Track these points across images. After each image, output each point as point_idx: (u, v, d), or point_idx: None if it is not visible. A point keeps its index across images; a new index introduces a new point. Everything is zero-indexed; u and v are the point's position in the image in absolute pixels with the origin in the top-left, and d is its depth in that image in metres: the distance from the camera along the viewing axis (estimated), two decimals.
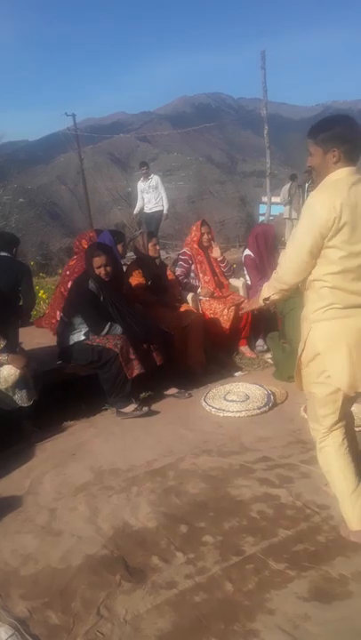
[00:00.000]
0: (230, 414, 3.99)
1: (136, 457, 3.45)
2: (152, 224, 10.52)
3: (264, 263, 5.55)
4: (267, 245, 5.62)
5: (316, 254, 2.29)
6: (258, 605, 2.16)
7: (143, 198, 10.60)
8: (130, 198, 27.33)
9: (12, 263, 4.37)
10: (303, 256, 2.30)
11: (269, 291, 2.53)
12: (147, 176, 10.50)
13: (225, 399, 4.19)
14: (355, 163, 2.37)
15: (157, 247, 5.11)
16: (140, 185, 10.66)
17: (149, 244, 5.06)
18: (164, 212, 10.50)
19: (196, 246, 5.46)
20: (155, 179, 10.54)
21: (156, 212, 10.53)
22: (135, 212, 11.31)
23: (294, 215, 13.25)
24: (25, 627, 2.10)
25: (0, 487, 3.19)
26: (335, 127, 2.37)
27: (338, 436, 2.46)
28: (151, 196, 10.49)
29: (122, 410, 4.07)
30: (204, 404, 4.18)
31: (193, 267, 5.46)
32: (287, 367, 4.27)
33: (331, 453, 2.47)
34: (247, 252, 5.67)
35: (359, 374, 2.34)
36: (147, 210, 10.66)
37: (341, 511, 2.50)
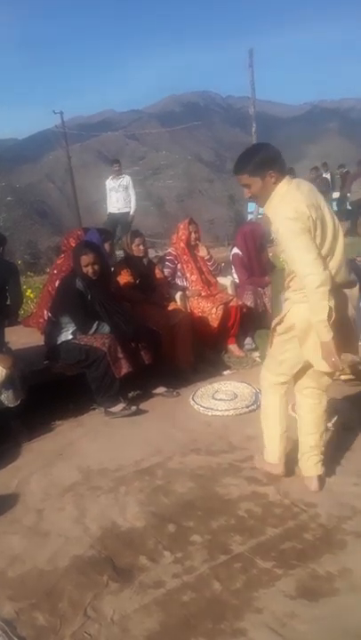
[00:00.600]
0: (219, 413, 3.99)
1: (124, 456, 3.44)
2: (118, 226, 9.84)
3: (252, 262, 5.56)
4: (255, 244, 5.64)
5: (315, 245, 2.56)
6: (246, 604, 2.16)
7: (111, 197, 9.97)
8: None
9: None
10: (313, 252, 2.53)
11: (323, 310, 2.50)
12: (118, 174, 9.98)
13: (213, 398, 4.19)
14: (286, 173, 2.71)
15: (142, 247, 5.08)
16: (110, 183, 10.04)
17: (133, 245, 5.05)
18: (131, 213, 9.89)
19: (183, 245, 5.44)
20: (126, 178, 10.02)
21: (125, 213, 9.93)
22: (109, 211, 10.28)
23: None
24: (12, 628, 2.09)
25: None
26: (259, 154, 2.71)
27: (283, 389, 2.97)
28: (120, 195, 9.89)
29: (110, 409, 4.05)
30: (192, 402, 4.18)
31: (179, 266, 5.44)
32: None
33: (276, 400, 2.99)
34: (235, 250, 5.68)
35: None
36: (114, 210, 10.05)
37: (267, 445, 3.06)
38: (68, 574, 2.39)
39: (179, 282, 5.44)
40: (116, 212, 10.04)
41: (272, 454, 3.05)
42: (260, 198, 2.75)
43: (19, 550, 2.58)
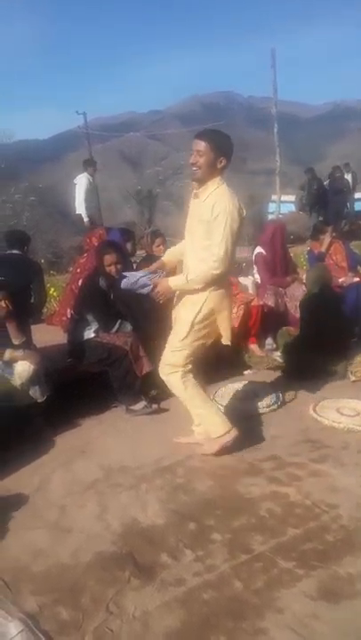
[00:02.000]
0: (241, 412, 3.98)
1: (145, 454, 3.46)
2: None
3: (276, 261, 5.53)
4: (282, 243, 5.62)
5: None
6: (267, 604, 2.16)
7: (85, 200, 9.31)
8: (140, 196, 27.28)
9: (24, 261, 4.39)
10: (234, 249, 3.09)
11: (193, 286, 3.13)
12: (93, 175, 9.61)
13: (234, 397, 4.18)
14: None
15: (162, 247, 5.09)
16: (87, 184, 9.41)
17: (153, 245, 5.07)
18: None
19: None
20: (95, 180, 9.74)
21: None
22: (87, 215, 9.37)
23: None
24: (35, 622, 2.11)
25: (10, 483, 3.21)
26: (228, 140, 3.09)
27: (193, 372, 3.30)
28: (92, 197, 9.61)
29: (131, 407, 4.08)
30: (214, 402, 4.17)
31: None
32: None
33: (195, 384, 3.30)
34: (259, 249, 5.64)
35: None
36: (93, 212, 9.63)
37: (211, 424, 3.31)
38: (90, 570, 2.41)
39: None
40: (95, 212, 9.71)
41: (221, 425, 3.31)
42: (200, 173, 3.04)
43: (42, 545, 2.61)
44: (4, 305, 3.74)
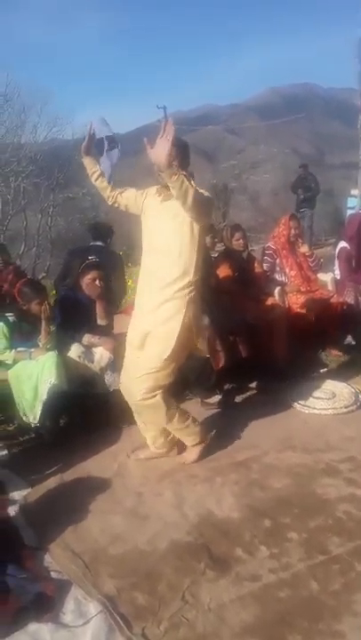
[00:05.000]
0: (316, 411, 3.92)
1: (219, 448, 3.46)
2: None
3: (359, 257, 5.36)
4: None
5: None
6: (344, 606, 2.12)
7: None
8: (215, 190, 27.22)
9: (106, 252, 4.51)
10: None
11: None
12: None
13: (311, 396, 4.11)
14: None
15: (242, 241, 5.05)
16: None
17: (233, 239, 5.05)
18: None
19: (283, 240, 5.37)
20: None
21: None
22: None
23: None
24: (113, 605, 2.18)
25: (90, 468, 3.31)
26: (187, 149, 3.11)
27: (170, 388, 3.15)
28: None
29: (206, 400, 4.10)
30: (289, 399, 4.13)
31: (278, 261, 5.38)
32: None
33: (173, 400, 3.17)
34: (343, 244, 5.48)
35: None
36: None
37: (189, 434, 3.24)
38: (166, 557, 2.45)
39: (277, 277, 5.37)
40: None
41: (200, 434, 3.30)
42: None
43: (119, 530, 2.68)
44: (98, 284, 3.88)
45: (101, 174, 3.30)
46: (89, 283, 3.96)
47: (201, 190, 2.90)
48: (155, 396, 3.03)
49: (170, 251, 3.01)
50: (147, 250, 3.15)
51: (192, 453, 3.31)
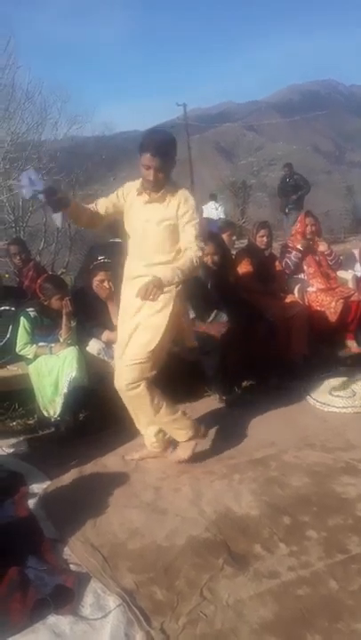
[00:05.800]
0: (336, 410, 3.89)
1: (237, 445, 3.46)
2: None
3: None
4: None
5: None
6: None
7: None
8: (234, 187, 27.16)
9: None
10: None
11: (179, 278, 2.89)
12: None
13: (330, 394, 4.08)
14: None
15: (266, 239, 5.02)
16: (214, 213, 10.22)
17: (257, 235, 5.03)
18: None
19: (300, 238, 5.35)
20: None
21: None
22: None
23: None
24: (132, 599, 2.18)
25: (109, 462, 3.33)
26: (174, 144, 3.01)
27: (155, 380, 3.11)
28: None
29: (224, 397, 4.09)
30: (307, 397, 4.11)
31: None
32: None
33: (159, 392, 3.10)
34: None
35: None
36: None
37: (181, 428, 3.16)
38: (184, 553, 2.45)
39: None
40: None
41: (193, 428, 3.21)
42: (157, 185, 2.96)
43: (138, 524, 2.69)
44: (107, 286, 3.89)
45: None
46: (97, 284, 3.98)
47: (182, 264, 2.92)
48: (139, 385, 3.05)
49: (156, 251, 3.06)
50: (132, 253, 3.20)
51: (184, 450, 3.23)
